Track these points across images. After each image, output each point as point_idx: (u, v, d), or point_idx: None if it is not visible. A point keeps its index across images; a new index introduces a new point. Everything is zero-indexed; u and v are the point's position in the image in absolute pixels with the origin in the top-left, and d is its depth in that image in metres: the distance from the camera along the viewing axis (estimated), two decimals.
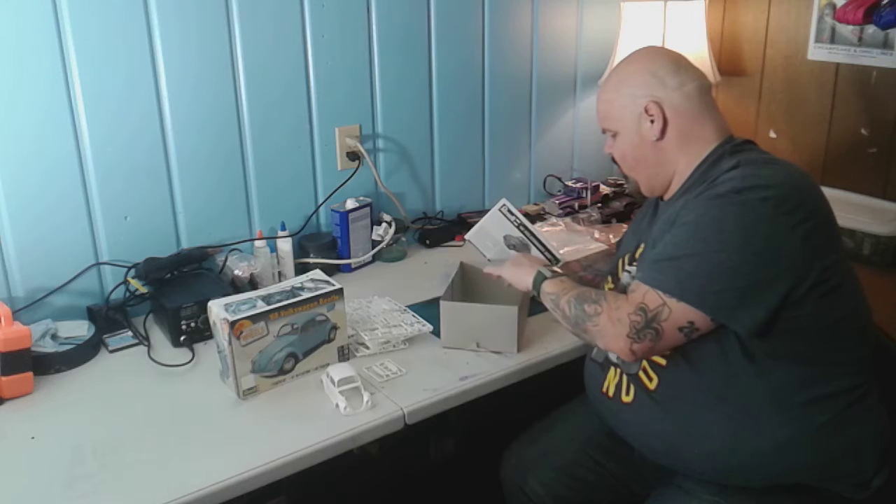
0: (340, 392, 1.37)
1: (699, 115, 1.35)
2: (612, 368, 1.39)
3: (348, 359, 1.53)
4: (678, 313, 1.19)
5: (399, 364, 1.51)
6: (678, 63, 1.38)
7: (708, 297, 1.18)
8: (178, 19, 1.68)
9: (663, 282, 1.21)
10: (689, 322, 1.20)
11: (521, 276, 1.48)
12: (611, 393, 1.39)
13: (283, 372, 1.44)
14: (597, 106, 1.46)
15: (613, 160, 1.48)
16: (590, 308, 1.28)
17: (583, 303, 1.30)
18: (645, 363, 1.31)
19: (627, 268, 1.43)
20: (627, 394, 1.35)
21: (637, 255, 1.41)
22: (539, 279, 1.41)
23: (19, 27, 1.50)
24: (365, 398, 1.37)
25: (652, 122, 1.34)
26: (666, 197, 1.40)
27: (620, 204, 2.34)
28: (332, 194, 1.99)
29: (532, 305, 1.71)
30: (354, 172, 2.01)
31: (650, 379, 1.31)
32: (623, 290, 1.41)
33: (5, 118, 1.52)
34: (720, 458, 1.27)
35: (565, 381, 1.64)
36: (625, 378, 1.36)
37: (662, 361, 1.29)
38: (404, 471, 1.92)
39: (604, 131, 1.45)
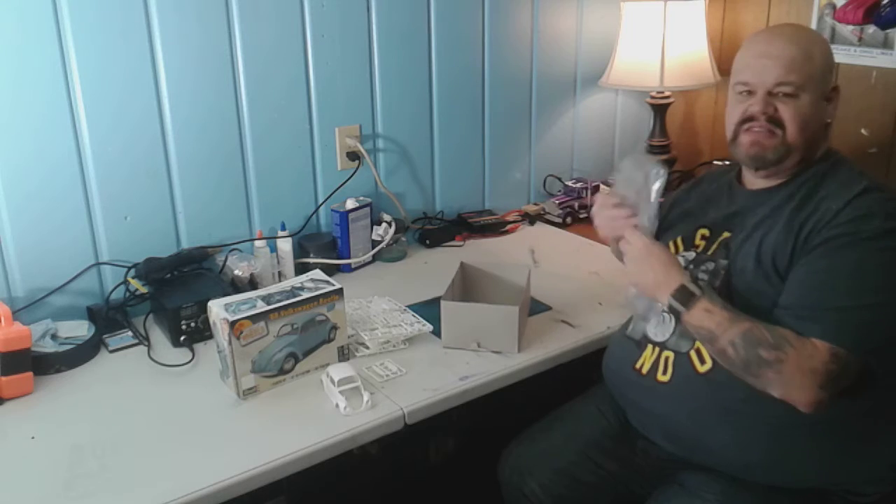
0: (340, 392, 1.37)
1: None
2: (651, 346, 1.39)
3: (348, 359, 1.53)
4: (855, 361, 1.17)
5: (399, 364, 1.51)
6: None
7: (878, 345, 1.18)
8: (178, 19, 1.67)
9: (845, 335, 1.16)
10: (863, 364, 1.18)
11: (649, 282, 1.30)
12: (645, 370, 1.39)
13: (283, 372, 1.44)
14: (778, 52, 1.29)
15: (770, 119, 1.30)
16: (769, 354, 1.16)
17: (756, 346, 1.17)
18: (700, 344, 1.30)
19: (683, 253, 1.42)
20: (665, 373, 1.35)
21: (697, 241, 1.40)
22: (675, 312, 1.26)
23: (20, 28, 1.50)
24: (365, 398, 1.37)
25: (829, 101, 1.32)
26: (758, 187, 1.37)
27: None
28: (332, 194, 1.99)
29: (532, 305, 1.71)
30: (354, 172, 2.01)
31: (702, 361, 1.30)
32: None
33: (6, 118, 1.52)
34: (751, 453, 1.28)
35: (565, 381, 1.64)
36: (664, 357, 1.36)
37: None
38: (404, 471, 1.92)
39: (780, 83, 1.29)
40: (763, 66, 1.31)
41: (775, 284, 1.25)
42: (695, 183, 1.58)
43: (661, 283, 1.28)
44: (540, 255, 1.97)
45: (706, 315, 1.23)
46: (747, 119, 1.33)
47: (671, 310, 1.27)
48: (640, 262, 1.32)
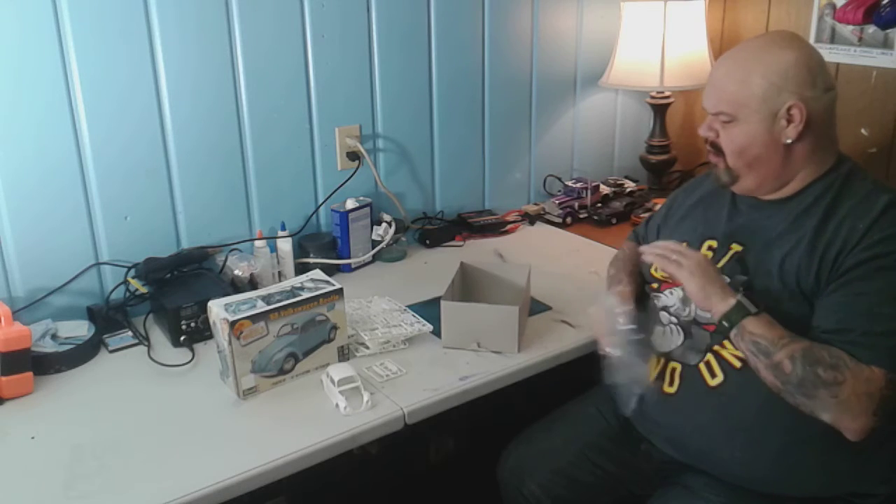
0: (340, 392, 1.37)
1: (831, 124, 1.28)
2: (655, 356, 1.38)
3: (348, 359, 1.53)
4: None
5: (399, 364, 1.51)
6: (822, 61, 1.27)
7: None
8: (178, 19, 1.67)
9: (893, 360, 1.15)
10: None
11: (710, 285, 1.25)
12: (651, 379, 1.37)
13: (283, 372, 1.44)
14: (717, 80, 1.31)
15: (711, 144, 1.35)
16: (827, 374, 1.13)
17: (815, 364, 1.14)
18: (711, 357, 1.29)
19: None
20: (671, 384, 1.34)
21: (704, 251, 1.38)
22: (739, 313, 1.21)
23: (19, 28, 1.50)
24: (365, 398, 1.37)
25: (788, 122, 1.25)
26: (765, 196, 1.34)
27: (620, 204, 2.33)
28: (332, 194, 1.99)
29: (532, 305, 1.71)
30: (354, 172, 2.01)
31: (713, 375, 1.29)
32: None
33: (6, 118, 1.52)
34: (758, 468, 1.27)
35: (565, 381, 1.64)
36: (670, 368, 1.34)
37: (738, 364, 1.26)
38: (404, 471, 1.92)
39: (715, 113, 1.32)
40: (707, 94, 1.34)
41: (799, 304, 1.24)
42: (692, 185, 1.57)
43: (726, 288, 1.25)
44: (527, 256, 1.97)
45: (769, 325, 1.19)
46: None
47: (736, 309, 1.21)
48: (703, 270, 1.27)
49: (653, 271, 1.48)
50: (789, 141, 1.26)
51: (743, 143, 1.29)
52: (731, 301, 1.22)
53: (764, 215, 1.34)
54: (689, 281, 1.27)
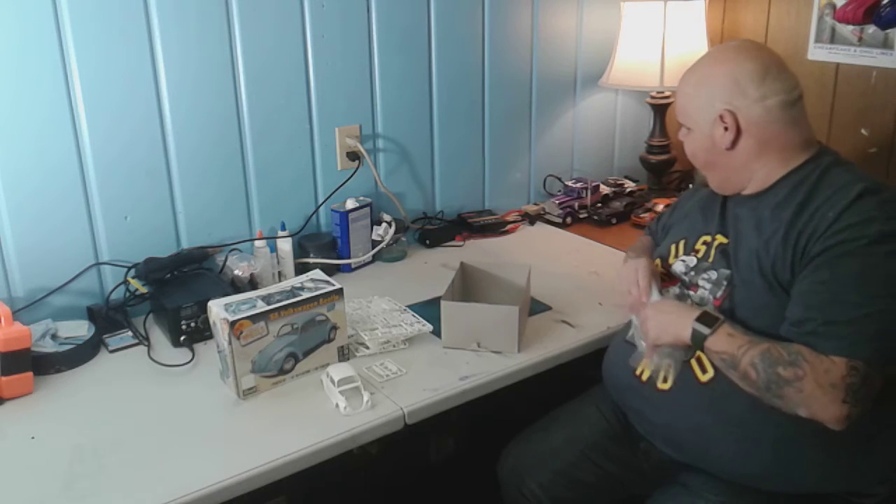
0: (340, 392, 1.37)
1: (782, 128, 1.30)
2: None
3: (348, 359, 1.53)
4: (876, 370, 1.16)
5: (399, 364, 1.51)
6: (766, 72, 1.30)
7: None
8: (178, 19, 1.67)
9: (860, 347, 1.15)
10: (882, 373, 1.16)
11: (669, 327, 1.31)
12: (645, 377, 1.39)
13: (283, 372, 1.44)
14: (676, 92, 1.43)
15: (682, 146, 1.45)
16: (787, 372, 1.15)
17: (775, 365, 1.16)
18: (700, 353, 1.29)
19: (683, 257, 1.43)
20: (665, 381, 1.35)
21: (698, 246, 1.41)
22: (699, 338, 1.25)
23: (20, 28, 1.50)
24: (365, 398, 1.37)
25: (725, 129, 1.31)
26: (743, 192, 1.37)
27: (620, 204, 2.34)
28: (332, 194, 1.99)
29: (532, 305, 1.72)
30: (354, 172, 2.01)
31: (704, 371, 1.30)
32: (680, 278, 1.41)
33: (6, 118, 1.52)
34: (754, 464, 1.27)
35: (565, 381, 1.64)
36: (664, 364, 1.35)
37: None
38: (404, 471, 1.92)
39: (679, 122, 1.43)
40: None
41: (779, 296, 1.24)
42: (696, 187, 1.60)
43: (682, 318, 1.28)
44: (527, 256, 1.97)
45: (728, 339, 1.22)
46: None
47: (694, 336, 1.25)
48: (656, 316, 1.34)
49: None
50: (726, 147, 1.33)
51: (692, 149, 1.41)
52: (689, 330, 1.26)
53: (746, 209, 1.36)
54: (651, 325, 1.34)
